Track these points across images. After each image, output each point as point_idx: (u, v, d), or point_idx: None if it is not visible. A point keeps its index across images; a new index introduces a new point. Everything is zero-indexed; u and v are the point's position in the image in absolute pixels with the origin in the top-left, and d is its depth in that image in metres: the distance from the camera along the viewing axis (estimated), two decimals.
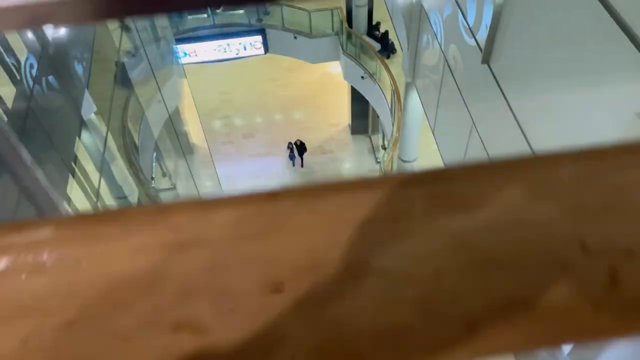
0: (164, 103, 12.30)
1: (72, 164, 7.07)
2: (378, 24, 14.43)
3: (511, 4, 4.39)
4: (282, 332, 0.36)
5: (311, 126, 18.63)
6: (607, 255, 0.37)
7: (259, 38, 15.35)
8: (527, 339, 0.37)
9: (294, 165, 17.15)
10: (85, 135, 8.17)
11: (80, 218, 0.42)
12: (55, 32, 7.32)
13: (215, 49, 15.61)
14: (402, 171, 0.71)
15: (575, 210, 0.39)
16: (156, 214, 0.40)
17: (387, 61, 13.35)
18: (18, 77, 6.08)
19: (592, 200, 0.39)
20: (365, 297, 0.37)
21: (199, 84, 19.04)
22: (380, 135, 17.04)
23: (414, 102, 9.56)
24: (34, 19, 0.37)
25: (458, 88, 6.13)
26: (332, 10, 14.67)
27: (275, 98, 19.55)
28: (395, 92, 12.16)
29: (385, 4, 11.53)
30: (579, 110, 3.74)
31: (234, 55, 15.85)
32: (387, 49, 13.91)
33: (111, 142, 9.60)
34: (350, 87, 16.57)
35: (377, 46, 13.97)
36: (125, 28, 10.48)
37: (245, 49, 15.62)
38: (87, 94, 8.30)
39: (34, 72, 6.54)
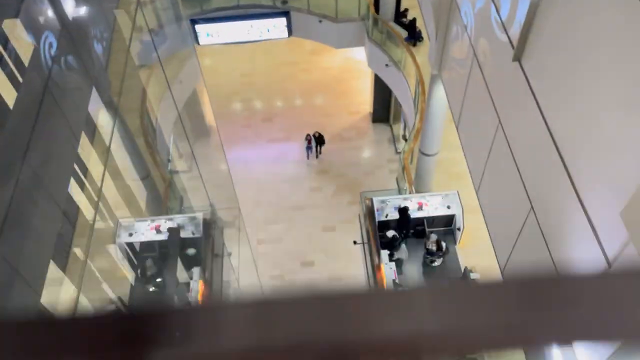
0: (182, 85, 12.19)
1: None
2: (406, 10, 14.05)
3: (548, 1, 4.12)
4: None
5: (331, 112, 18.39)
6: None
7: (283, 20, 15.08)
8: None
9: (308, 157, 16.89)
10: (102, 115, 8.10)
11: None
12: (76, 11, 7.21)
13: (238, 30, 15.39)
14: None
15: None
16: None
17: (413, 49, 13.01)
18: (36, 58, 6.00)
19: None
20: None
21: (220, 66, 18.90)
22: (402, 125, 16.74)
23: (439, 94, 9.28)
24: None
25: (486, 84, 5.87)
26: None
27: (297, 82, 19.32)
28: (420, 82, 11.86)
29: None
30: (614, 117, 3.49)
31: (257, 37, 15.61)
32: (414, 36, 13.54)
33: (129, 123, 9.54)
34: (373, 75, 16.25)
35: (404, 33, 13.61)
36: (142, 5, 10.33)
37: (268, 31, 15.36)
38: (106, 74, 8.21)
39: (52, 51, 6.45)
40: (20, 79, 5.58)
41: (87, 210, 11.33)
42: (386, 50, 13.67)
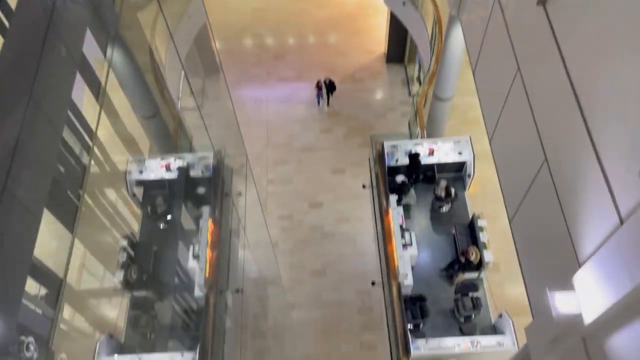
0: (191, 19, 11.82)
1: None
2: None
3: None
4: None
5: (345, 51, 17.91)
6: None
7: None
8: None
9: (319, 104, 16.51)
10: (109, 51, 7.92)
11: None
12: None
13: None
14: None
15: None
16: None
17: None
18: None
19: None
20: None
21: (232, 0, 18.28)
22: (416, 67, 16.29)
23: (457, 36, 8.93)
24: None
25: (507, 28, 5.59)
26: None
27: (310, 18, 18.72)
28: (438, 22, 11.39)
29: None
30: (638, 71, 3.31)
31: None
32: None
33: (137, 60, 9.34)
34: (389, 13, 15.63)
35: None
36: None
37: None
38: (113, 8, 7.95)
39: None
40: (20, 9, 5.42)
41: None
42: None
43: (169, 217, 10.26)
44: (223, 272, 9.89)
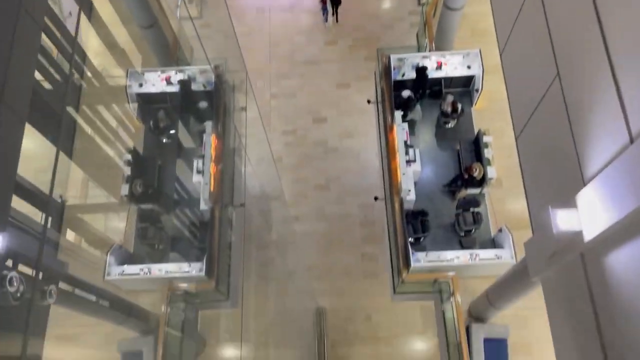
0: None
1: None
2: None
3: None
4: None
5: None
6: None
7: None
8: None
9: (326, 20, 15.48)
10: None
11: None
12: None
13: None
14: None
15: None
16: None
17: None
18: None
19: None
20: None
21: None
22: None
23: None
24: None
25: None
26: None
27: None
28: None
29: None
30: None
31: None
32: None
33: None
34: None
35: None
36: None
37: None
38: None
39: None
40: None
41: (95, 59, 11.05)
42: None
43: (172, 131, 10.20)
44: (227, 186, 9.99)
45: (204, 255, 8.67)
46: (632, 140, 3.32)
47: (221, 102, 9.99)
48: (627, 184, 3.27)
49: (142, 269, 8.62)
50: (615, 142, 3.59)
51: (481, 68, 9.96)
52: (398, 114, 9.46)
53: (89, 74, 9.89)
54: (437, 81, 10.28)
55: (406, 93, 9.99)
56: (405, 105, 9.89)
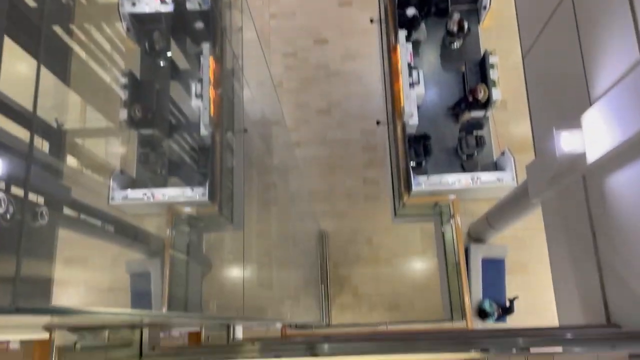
0: None
1: None
2: None
3: None
4: None
5: None
6: None
7: None
8: None
9: None
10: None
11: None
12: None
13: None
14: None
15: None
16: None
17: None
18: None
19: None
20: None
21: None
22: None
23: None
24: None
25: None
26: None
27: None
28: None
29: None
30: None
31: None
32: None
33: None
34: None
35: None
36: None
37: None
38: None
39: None
40: None
41: None
42: None
43: (168, 53, 9.92)
44: (227, 111, 9.87)
45: (206, 180, 8.73)
46: None
47: (218, 23, 9.63)
48: (634, 104, 3.18)
49: (145, 194, 8.71)
50: (624, 60, 3.47)
51: None
52: (402, 33, 9.13)
53: None
54: None
55: (411, 11, 9.58)
56: (410, 25, 9.52)
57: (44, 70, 5.37)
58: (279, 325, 10.33)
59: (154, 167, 9.23)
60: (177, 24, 9.85)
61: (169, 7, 9.76)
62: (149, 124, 9.20)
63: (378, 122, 10.59)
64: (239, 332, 6.86)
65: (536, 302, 10.68)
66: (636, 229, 3.44)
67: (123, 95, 9.13)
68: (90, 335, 3.79)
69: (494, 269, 10.17)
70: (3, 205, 1.84)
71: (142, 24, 9.93)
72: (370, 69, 13.23)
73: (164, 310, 7.80)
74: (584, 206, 4.14)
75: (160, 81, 9.85)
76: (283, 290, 10.34)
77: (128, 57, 10.16)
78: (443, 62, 10.00)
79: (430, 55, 10.06)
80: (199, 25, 9.77)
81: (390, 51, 9.66)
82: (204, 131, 8.81)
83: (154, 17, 9.84)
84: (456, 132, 9.43)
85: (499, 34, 10.44)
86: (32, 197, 3.81)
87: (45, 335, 3.31)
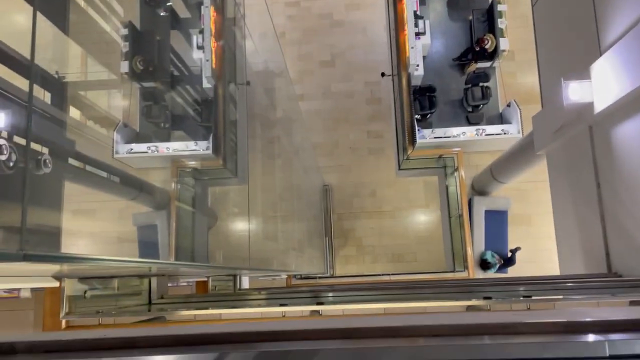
0: None
1: None
2: None
3: None
4: None
5: None
6: None
7: None
8: None
9: None
10: None
11: None
12: None
13: None
14: None
15: None
16: None
17: None
18: None
19: None
20: None
21: None
22: None
23: None
24: None
25: None
26: None
27: None
28: None
29: None
30: None
31: None
32: None
33: None
34: None
35: None
36: None
37: None
38: None
39: None
40: None
41: None
42: None
43: (168, 2, 9.69)
44: (229, 63, 9.72)
45: (210, 133, 8.70)
46: None
47: None
48: None
49: (149, 147, 8.72)
50: (635, 8, 3.36)
51: None
52: None
53: None
54: None
55: None
56: None
57: (42, 19, 5.27)
58: (284, 276, 10.55)
59: (157, 121, 9.19)
60: None
61: None
62: (150, 76, 9.09)
63: (383, 74, 10.42)
64: (245, 283, 7.00)
65: (538, 252, 10.82)
66: None
67: (124, 46, 8.98)
68: (100, 285, 3.88)
69: (497, 221, 10.25)
70: (5, 152, 1.83)
71: None
72: (375, 19, 12.90)
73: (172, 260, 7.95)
74: (589, 157, 4.11)
75: (160, 32, 9.66)
76: (288, 242, 10.49)
77: (128, 7, 9.94)
78: (450, 11, 9.73)
79: (437, 4, 9.78)
80: None
81: (395, 0, 9.39)
82: (206, 84, 8.71)
83: None
84: (462, 84, 9.29)
85: None
86: (36, 147, 3.82)
87: (55, 284, 3.39)
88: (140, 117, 9.44)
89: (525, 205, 11.09)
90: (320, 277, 11.26)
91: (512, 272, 10.38)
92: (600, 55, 3.80)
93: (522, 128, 8.56)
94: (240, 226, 9.80)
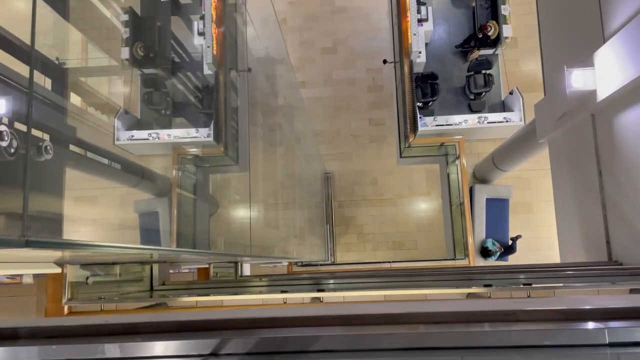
0: None
1: None
2: None
3: None
4: None
5: None
6: None
7: None
8: None
9: None
10: None
11: None
12: None
13: None
14: None
15: None
16: None
17: None
18: None
19: None
20: None
21: None
22: None
23: None
24: None
25: None
26: None
27: None
28: None
29: None
30: None
31: None
32: None
33: None
34: None
35: None
36: None
37: None
38: None
39: None
40: None
41: None
42: None
43: None
44: (231, 49, 9.66)
45: (211, 120, 8.68)
46: None
47: None
48: None
49: (150, 134, 8.71)
50: None
51: None
52: None
53: None
54: None
55: None
56: None
57: (42, 5, 5.23)
58: (285, 264, 10.59)
59: (158, 108, 9.17)
60: None
61: None
62: (151, 62, 9.06)
63: (385, 61, 10.36)
64: (247, 270, 7.02)
65: (539, 240, 10.84)
66: None
67: (124, 33, 8.93)
68: (101, 271, 3.90)
69: (498, 209, 10.26)
70: (6, 138, 1.83)
71: None
72: (377, 5, 12.80)
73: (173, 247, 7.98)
74: (591, 145, 4.10)
75: (161, 18, 9.60)
76: (289, 229, 10.52)
77: None
78: None
79: None
80: None
81: None
82: (207, 70, 8.67)
83: None
84: (464, 72, 9.24)
85: None
86: (37, 133, 3.81)
87: (58, 270, 3.40)
88: (141, 103, 9.41)
89: (526, 193, 11.09)
90: (321, 265, 11.30)
91: (512, 260, 10.42)
92: (604, 42, 3.77)
93: (524, 116, 8.53)
94: (242, 213, 9.82)
